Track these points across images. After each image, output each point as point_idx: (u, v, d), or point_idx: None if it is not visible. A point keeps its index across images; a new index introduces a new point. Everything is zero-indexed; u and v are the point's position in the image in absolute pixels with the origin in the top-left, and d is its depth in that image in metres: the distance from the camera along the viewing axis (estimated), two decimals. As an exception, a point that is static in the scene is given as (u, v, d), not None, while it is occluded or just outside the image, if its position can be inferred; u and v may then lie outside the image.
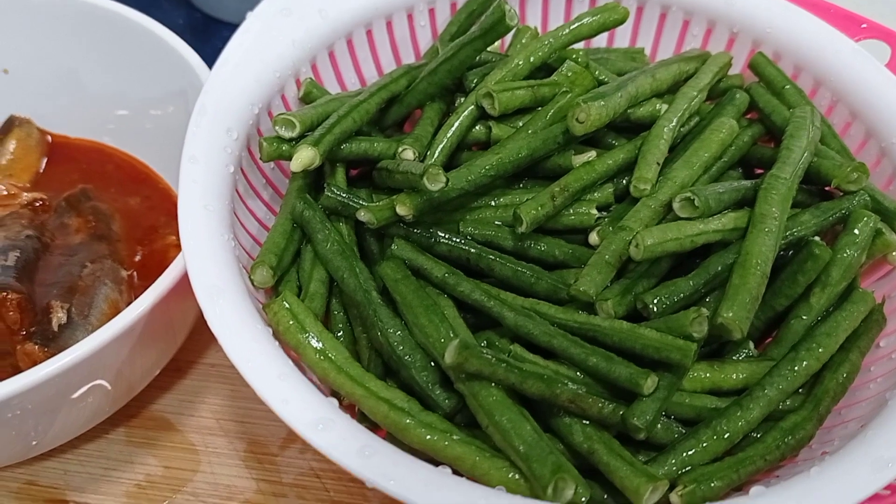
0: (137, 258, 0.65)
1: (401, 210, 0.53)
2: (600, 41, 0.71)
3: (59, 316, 0.53)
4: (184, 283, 0.52)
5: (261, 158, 0.56)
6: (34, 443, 0.55)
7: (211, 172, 0.52)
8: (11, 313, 0.52)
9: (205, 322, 0.64)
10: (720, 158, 0.59)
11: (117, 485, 0.60)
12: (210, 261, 0.49)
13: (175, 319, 0.58)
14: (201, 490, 0.60)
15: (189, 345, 0.64)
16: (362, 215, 0.54)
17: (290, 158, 0.56)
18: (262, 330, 0.47)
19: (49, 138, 0.72)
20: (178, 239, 0.66)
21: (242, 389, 0.65)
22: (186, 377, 0.66)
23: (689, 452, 0.48)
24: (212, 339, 0.67)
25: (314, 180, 0.59)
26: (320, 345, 0.49)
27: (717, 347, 0.54)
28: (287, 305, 0.50)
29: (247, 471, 0.61)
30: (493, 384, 0.47)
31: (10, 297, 0.52)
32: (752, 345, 0.54)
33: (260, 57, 0.58)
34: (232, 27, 0.57)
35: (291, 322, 0.50)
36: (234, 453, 0.62)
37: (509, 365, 0.47)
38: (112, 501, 0.59)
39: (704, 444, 0.48)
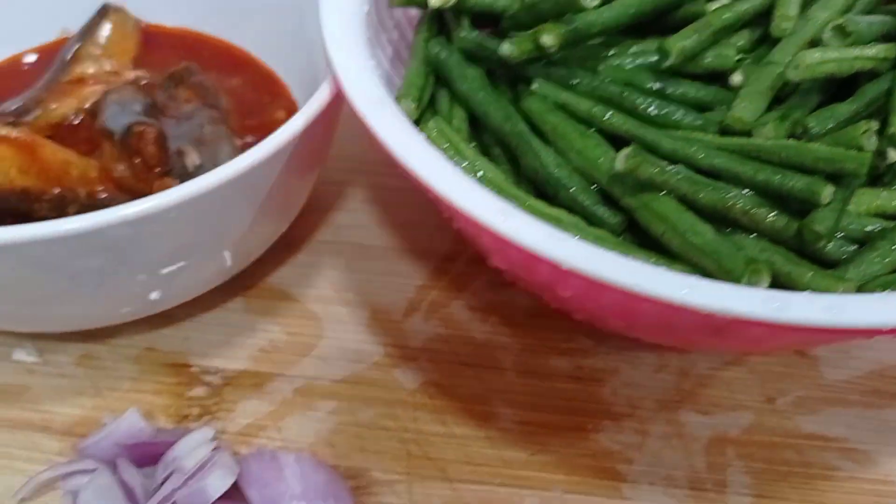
0: (247, 135, 0.63)
1: (545, 39, 0.51)
2: None
3: (192, 157, 0.51)
4: (303, 151, 0.51)
5: (390, 4, 0.55)
6: (156, 294, 0.53)
7: (349, 6, 0.51)
8: (150, 147, 0.50)
9: (312, 203, 0.63)
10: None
11: (241, 349, 0.58)
12: (363, 76, 0.47)
13: (294, 182, 0.56)
14: (329, 354, 0.58)
15: (299, 223, 0.62)
16: (505, 48, 0.52)
17: (420, 3, 0.54)
18: (423, 139, 0.45)
19: (143, 25, 0.70)
20: (286, 114, 0.65)
21: (359, 262, 0.63)
22: (300, 253, 0.64)
23: (870, 263, 0.46)
24: (321, 218, 0.66)
25: (438, 34, 0.58)
26: (479, 165, 0.48)
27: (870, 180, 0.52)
28: (441, 127, 0.48)
29: (373, 336, 0.59)
30: (663, 194, 0.45)
31: (147, 130, 0.50)
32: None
33: None
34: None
35: (447, 145, 0.48)
36: (357, 321, 0.60)
37: (683, 173, 0.45)
38: (237, 364, 0.57)
39: (885, 257, 0.46)
